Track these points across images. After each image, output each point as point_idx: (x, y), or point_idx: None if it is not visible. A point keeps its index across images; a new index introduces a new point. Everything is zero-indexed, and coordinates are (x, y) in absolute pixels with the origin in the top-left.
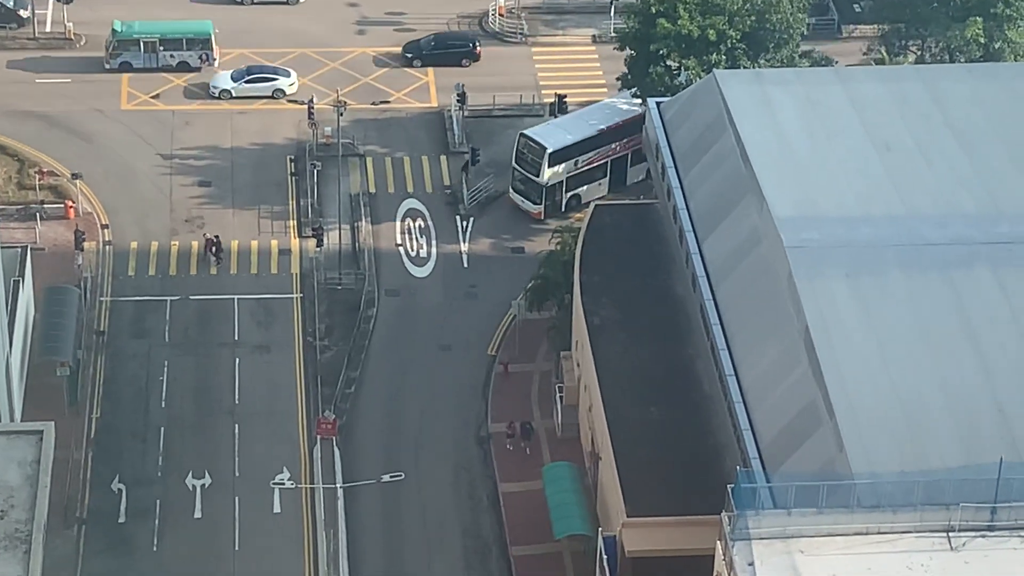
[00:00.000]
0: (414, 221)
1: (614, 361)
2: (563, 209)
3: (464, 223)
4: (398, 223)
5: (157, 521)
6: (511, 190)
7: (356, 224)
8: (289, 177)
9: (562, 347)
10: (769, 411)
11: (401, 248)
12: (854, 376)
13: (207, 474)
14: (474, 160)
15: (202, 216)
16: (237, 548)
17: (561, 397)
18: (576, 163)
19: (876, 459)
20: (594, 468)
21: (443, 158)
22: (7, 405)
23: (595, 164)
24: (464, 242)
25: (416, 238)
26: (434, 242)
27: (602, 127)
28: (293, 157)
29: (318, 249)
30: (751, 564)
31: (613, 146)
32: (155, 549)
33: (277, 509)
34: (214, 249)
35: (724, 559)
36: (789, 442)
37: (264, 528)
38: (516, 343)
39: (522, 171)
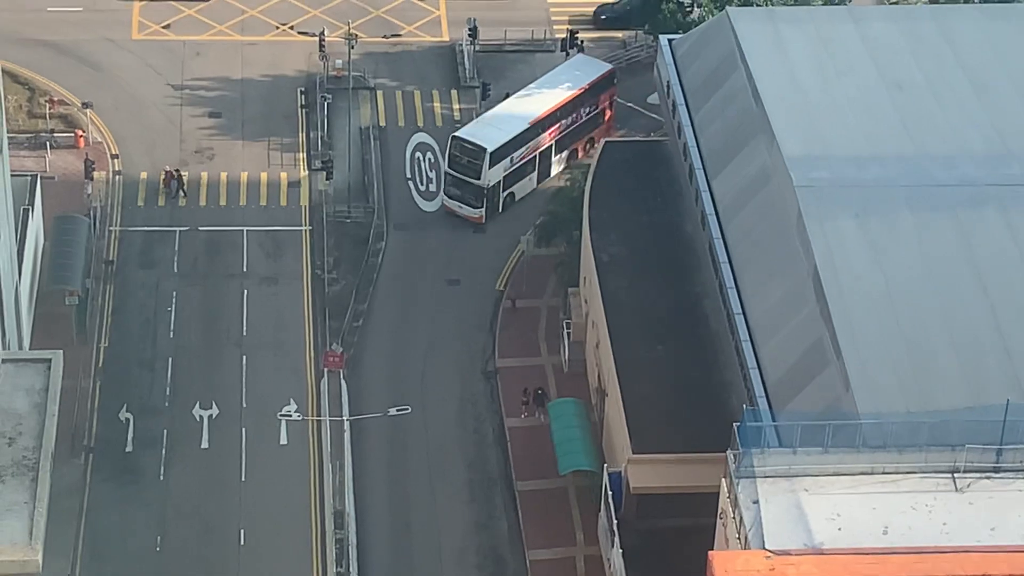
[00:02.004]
0: (424, 155)
1: (622, 298)
2: (500, 210)
3: None
4: (408, 156)
5: (164, 451)
6: (444, 196)
7: (366, 157)
8: (299, 109)
9: (570, 283)
10: (776, 350)
11: (411, 182)
12: (861, 316)
13: (214, 405)
14: (485, 95)
15: (212, 147)
16: (243, 479)
17: (568, 333)
18: (511, 160)
19: (882, 399)
20: (600, 404)
21: (454, 92)
22: (16, 333)
23: (526, 159)
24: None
25: (426, 172)
26: (443, 176)
27: (531, 119)
28: (303, 89)
29: (327, 182)
30: (756, 502)
31: (541, 137)
32: (162, 478)
33: (284, 441)
34: (175, 183)
35: (729, 497)
36: (795, 381)
37: (271, 459)
38: (524, 279)
39: (458, 175)
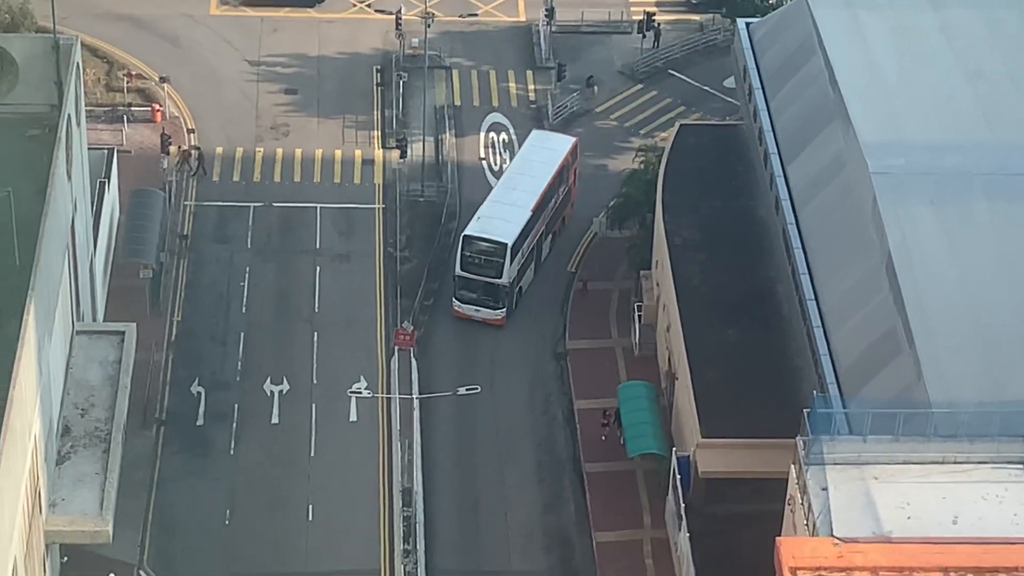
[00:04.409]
0: (498, 135)
1: (694, 281)
2: (515, 307)
3: None
4: (482, 136)
5: (235, 425)
6: (456, 303)
7: (440, 136)
8: (375, 87)
9: (642, 266)
10: (848, 336)
11: (484, 162)
12: (935, 304)
13: (285, 380)
14: (560, 75)
15: (287, 124)
16: (312, 454)
17: (639, 316)
18: (522, 252)
19: (954, 388)
20: (670, 388)
21: (529, 73)
22: (90, 305)
23: (531, 247)
24: None
25: (499, 152)
26: None
27: (531, 205)
28: (379, 67)
29: (401, 160)
30: (824, 489)
31: (539, 223)
32: (232, 452)
33: (353, 418)
34: (193, 161)
35: (798, 483)
36: (867, 368)
37: (340, 436)
38: (596, 261)
39: (474, 276)
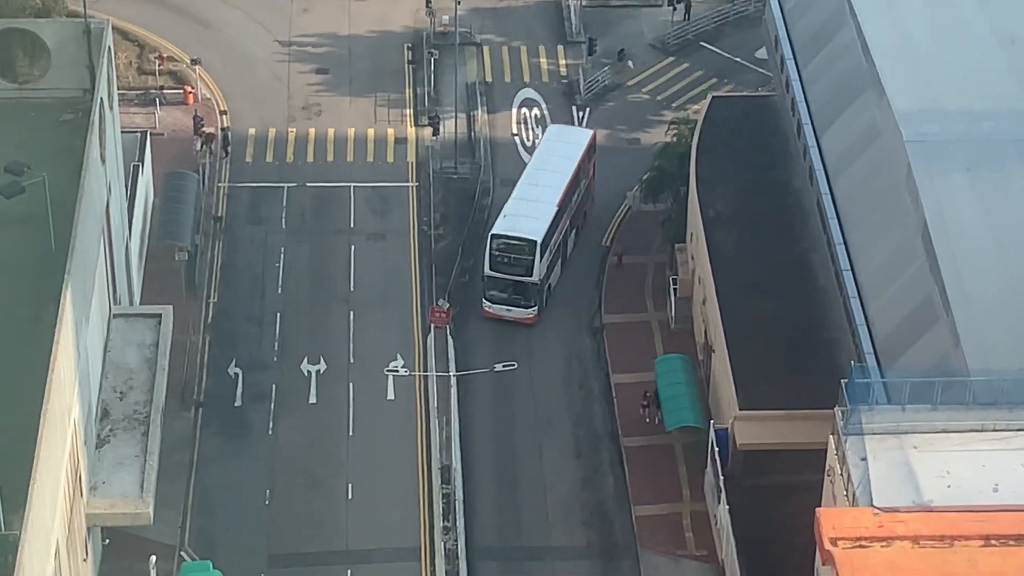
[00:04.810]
0: (530, 111)
1: (729, 253)
2: (545, 304)
3: (580, 113)
4: (514, 112)
5: (272, 405)
6: (486, 303)
7: (472, 113)
8: (406, 65)
9: (676, 239)
10: (884, 306)
11: (517, 138)
12: (971, 271)
13: (322, 360)
14: (592, 50)
15: (319, 103)
16: (351, 434)
17: (675, 289)
18: (550, 249)
19: (992, 355)
20: (707, 360)
21: (560, 48)
22: (126, 289)
23: (558, 243)
24: None
25: (532, 128)
26: None
27: (556, 201)
28: (410, 45)
29: (434, 138)
30: (864, 459)
31: (564, 218)
32: (270, 433)
33: (391, 396)
34: (215, 143)
35: (837, 453)
36: (904, 337)
37: (377, 414)
38: (630, 234)
39: (504, 275)
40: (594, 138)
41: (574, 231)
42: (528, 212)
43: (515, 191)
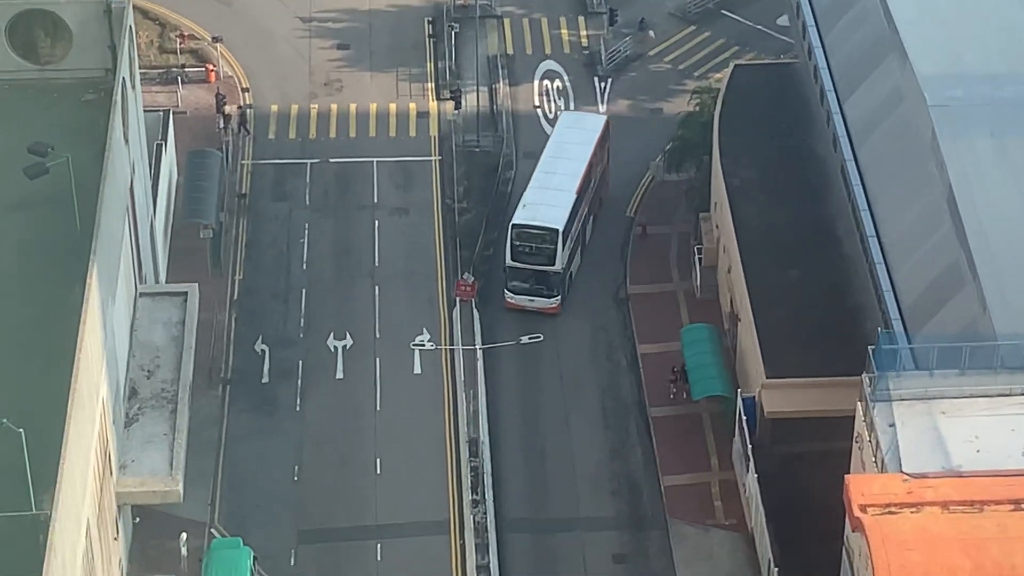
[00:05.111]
0: (552, 82)
1: (753, 222)
2: (567, 293)
3: (602, 84)
4: (536, 85)
5: (300, 381)
6: (509, 294)
7: (494, 86)
8: (427, 39)
9: (700, 208)
10: (911, 272)
11: (539, 110)
12: (997, 235)
13: (348, 335)
14: (612, 20)
15: (341, 79)
16: (378, 408)
17: (700, 259)
18: (571, 237)
19: (1020, 319)
20: (733, 329)
21: (581, 19)
22: (152, 267)
23: (578, 230)
24: (602, 103)
25: (554, 99)
26: (572, 103)
27: (575, 188)
28: (431, 19)
29: (456, 111)
30: (892, 425)
31: (582, 206)
32: (298, 409)
33: (417, 370)
34: (234, 122)
35: (865, 420)
36: (931, 303)
37: (405, 389)
38: (654, 205)
39: (526, 265)
40: (608, 124)
41: (591, 218)
42: (548, 200)
43: (532, 180)
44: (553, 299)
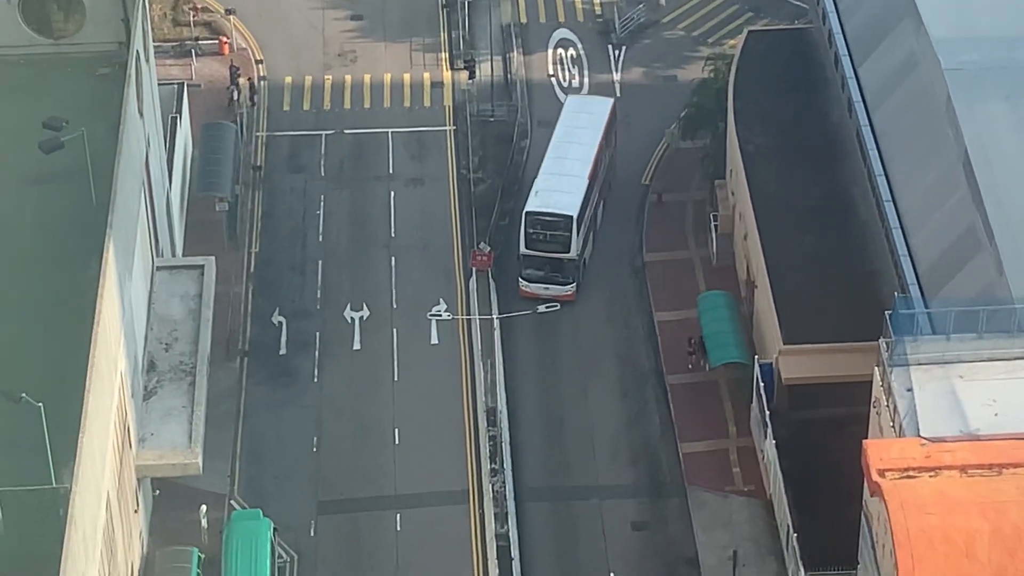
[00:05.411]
0: (566, 51)
1: (769, 188)
2: (581, 280)
3: (616, 52)
4: (550, 53)
5: (317, 353)
6: (523, 282)
7: (508, 55)
8: (440, 9)
9: (716, 175)
10: (927, 236)
11: (553, 78)
12: (1014, 199)
13: (365, 307)
14: None
15: (355, 50)
16: (396, 379)
17: (716, 226)
18: (585, 224)
19: None
20: (750, 296)
21: None
22: (169, 241)
23: (591, 216)
24: (616, 71)
25: (568, 68)
26: (586, 72)
27: (587, 174)
28: None
29: (470, 81)
30: (910, 390)
31: (593, 192)
32: (315, 380)
33: (435, 340)
34: (241, 97)
35: (882, 385)
36: (948, 267)
37: (422, 359)
38: (670, 172)
39: (540, 253)
40: (615, 107)
41: (602, 203)
42: (560, 187)
43: (543, 166)
44: (568, 286)
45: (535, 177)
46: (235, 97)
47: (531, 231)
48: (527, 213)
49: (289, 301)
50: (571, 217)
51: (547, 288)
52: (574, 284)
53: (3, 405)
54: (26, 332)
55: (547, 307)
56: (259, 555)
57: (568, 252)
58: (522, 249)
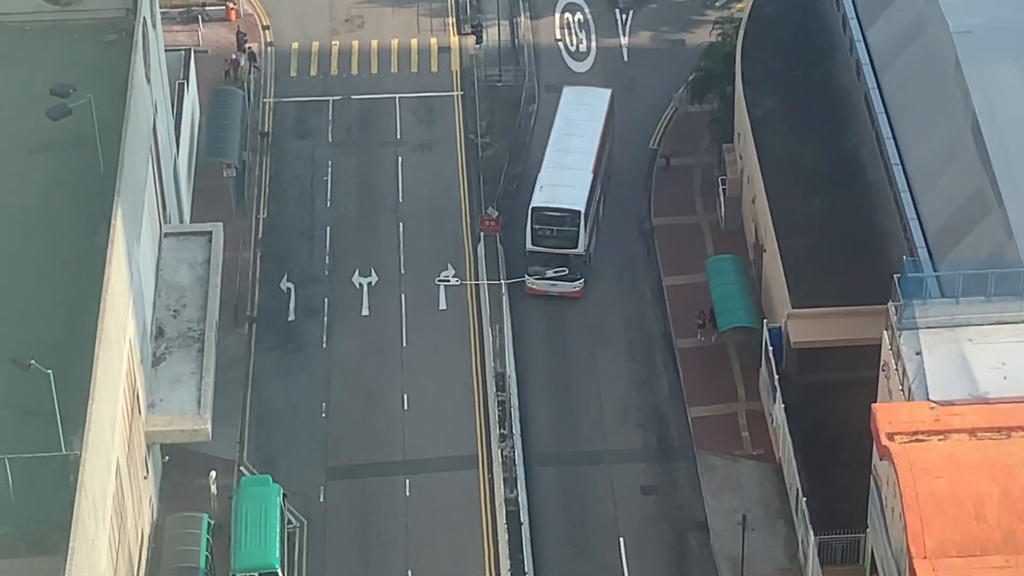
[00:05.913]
0: (573, 15)
1: (777, 152)
2: (587, 275)
3: (623, 16)
4: (557, 17)
5: (326, 319)
6: (530, 280)
7: (515, 20)
8: None
9: (724, 139)
10: (936, 199)
11: (560, 43)
12: (1023, 162)
13: (373, 272)
14: None
15: (361, 16)
16: (405, 344)
17: (724, 190)
18: (592, 217)
19: None
20: (758, 260)
21: None
22: (176, 207)
23: (595, 210)
24: (624, 35)
25: (575, 32)
26: (593, 36)
27: (590, 167)
28: None
29: (477, 46)
30: (918, 353)
31: (597, 185)
32: (324, 346)
33: (443, 306)
34: (241, 69)
35: (891, 348)
36: (956, 230)
37: (431, 324)
38: (677, 136)
39: (548, 249)
40: (612, 97)
41: (603, 195)
42: (565, 181)
43: (546, 159)
44: (576, 283)
45: (537, 172)
46: (231, 72)
47: (537, 227)
48: (533, 209)
49: (297, 267)
50: (579, 212)
51: (554, 285)
52: (582, 280)
53: (13, 372)
54: (35, 299)
55: (555, 272)
56: (268, 521)
57: (576, 248)
58: (528, 245)
